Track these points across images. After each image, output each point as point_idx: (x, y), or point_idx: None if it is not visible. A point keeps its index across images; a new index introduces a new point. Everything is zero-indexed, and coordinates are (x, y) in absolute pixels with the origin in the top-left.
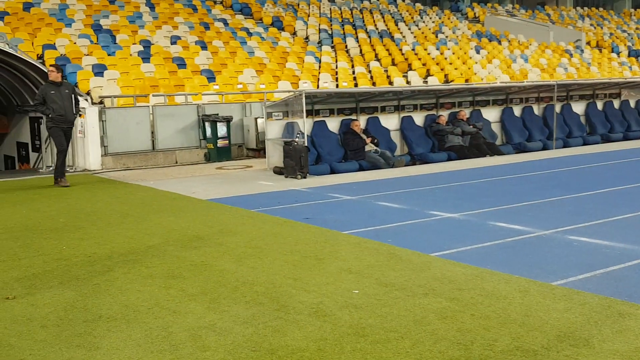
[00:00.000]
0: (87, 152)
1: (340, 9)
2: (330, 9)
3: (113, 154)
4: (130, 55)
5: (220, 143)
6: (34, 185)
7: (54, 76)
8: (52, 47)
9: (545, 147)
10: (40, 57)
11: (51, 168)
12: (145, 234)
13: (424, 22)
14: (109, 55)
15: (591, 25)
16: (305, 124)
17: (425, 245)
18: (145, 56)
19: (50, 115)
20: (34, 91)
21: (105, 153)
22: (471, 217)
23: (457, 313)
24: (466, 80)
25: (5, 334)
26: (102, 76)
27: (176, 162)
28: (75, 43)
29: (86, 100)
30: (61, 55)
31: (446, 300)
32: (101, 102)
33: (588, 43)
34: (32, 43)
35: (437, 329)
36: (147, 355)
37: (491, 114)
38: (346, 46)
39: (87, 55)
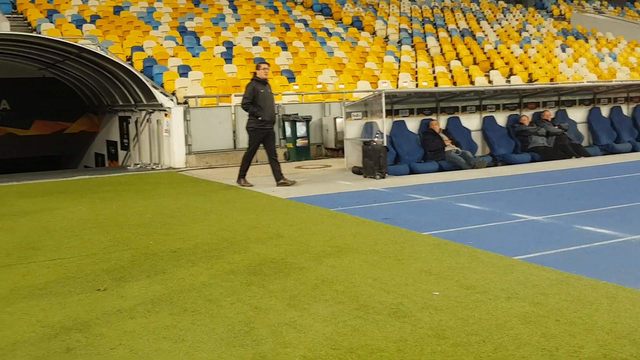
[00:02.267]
0: (172, 150)
1: (421, 8)
2: (411, 8)
3: (196, 153)
4: (214, 56)
5: (299, 142)
6: (123, 182)
7: (265, 74)
8: (140, 49)
9: (634, 149)
10: (129, 59)
11: (139, 165)
12: (228, 231)
13: (507, 20)
14: (193, 56)
15: None
16: (384, 124)
17: (507, 248)
18: (228, 57)
19: (260, 118)
20: (123, 92)
21: (189, 152)
22: (556, 220)
23: (541, 318)
24: (551, 80)
25: (97, 324)
26: (187, 77)
27: (257, 161)
28: (161, 45)
29: (171, 100)
30: (148, 56)
31: (530, 305)
32: (186, 102)
33: None
34: (122, 45)
35: (520, 333)
36: (230, 350)
37: (577, 115)
38: (426, 45)
39: (173, 56)
